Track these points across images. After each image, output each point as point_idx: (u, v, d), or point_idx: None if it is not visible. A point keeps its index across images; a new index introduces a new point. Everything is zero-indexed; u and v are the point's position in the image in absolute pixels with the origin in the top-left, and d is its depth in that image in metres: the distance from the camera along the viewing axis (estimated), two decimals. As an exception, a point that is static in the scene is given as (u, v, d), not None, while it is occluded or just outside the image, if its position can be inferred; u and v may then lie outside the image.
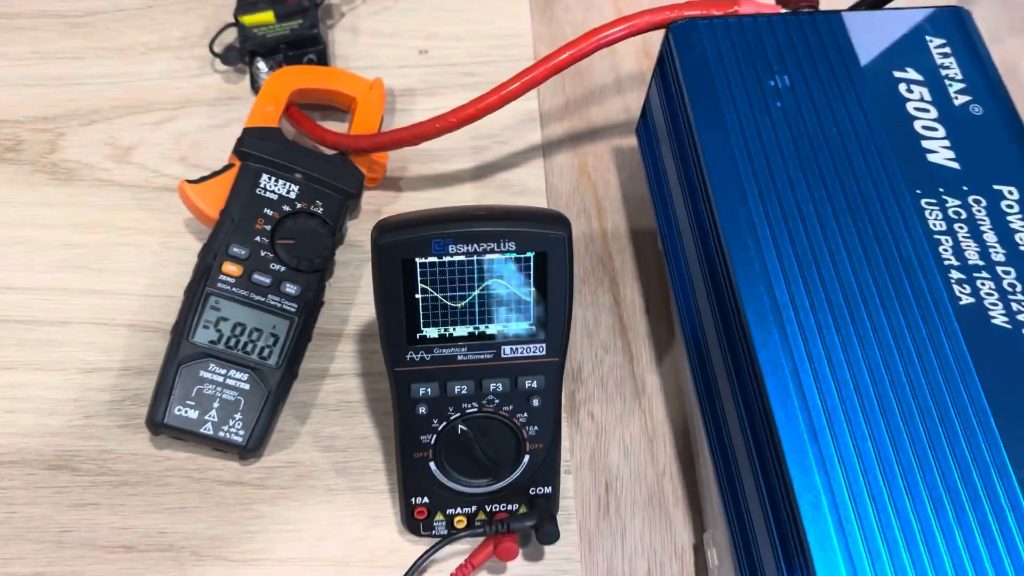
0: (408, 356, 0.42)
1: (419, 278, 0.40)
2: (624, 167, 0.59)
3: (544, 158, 0.59)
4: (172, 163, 0.57)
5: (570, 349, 0.51)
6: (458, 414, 0.43)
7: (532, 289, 0.41)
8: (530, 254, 0.41)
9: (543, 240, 0.40)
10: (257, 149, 0.53)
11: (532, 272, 0.41)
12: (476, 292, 0.41)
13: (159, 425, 0.47)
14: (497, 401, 0.43)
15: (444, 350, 0.42)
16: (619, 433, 0.50)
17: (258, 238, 0.51)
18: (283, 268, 0.51)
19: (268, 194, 0.52)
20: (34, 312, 0.52)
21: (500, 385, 0.43)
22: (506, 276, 0.41)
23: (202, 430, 0.47)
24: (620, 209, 0.58)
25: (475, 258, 0.40)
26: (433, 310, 0.41)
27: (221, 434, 0.47)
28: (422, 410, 0.43)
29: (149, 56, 0.60)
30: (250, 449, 0.48)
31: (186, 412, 0.47)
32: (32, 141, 0.57)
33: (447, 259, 0.40)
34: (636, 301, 0.55)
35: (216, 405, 0.48)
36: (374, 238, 0.40)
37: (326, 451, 0.49)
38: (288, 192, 0.52)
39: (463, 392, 0.42)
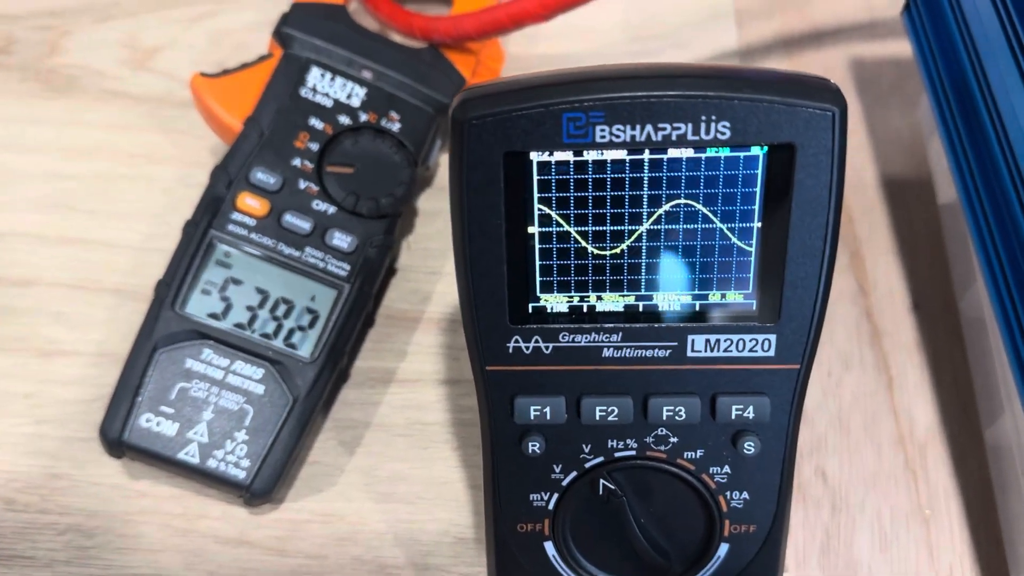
0: (511, 345, 0.23)
1: (536, 192, 0.21)
2: (869, 86, 0.43)
3: (742, 70, 0.40)
4: (205, 70, 0.41)
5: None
6: (600, 458, 0.25)
7: (758, 224, 0.21)
8: (759, 150, 0.20)
9: (789, 120, 0.20)
10: (308, 31, 0.35)
11: (762, 186, 0.21)
12: (645, 226, 0.22)
13: (116, 443, 0.30)
14: (675, 440, 0.24)
15: (579, 337, 0.23)
16: (872, 506, 0.33)
17: (298, 161, 0.33)
18: (332, 209, 0.33)
19: (319, 97, 0.34)
20: (-9, 266, 0.36)
21: (683, 410, 0.24)
22: (708, 195, 0.21)
23: (181, 455, 0.30)
24: (864, 147, 0.41)
25: (647, 155, 0.21)
26: (561, 259, 0.22)
27: (211, 463, 0.30)
28: (534, 447, 0.24)
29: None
30: (257, 491, 0.30)
31: (158, 425, 0.30)
32: (28, 41, 0.43)
33: (592, 155, 0.21)
34: (895, 289, 0.37)
35: (208, 416, 0.30)
36: (454, 112, 0.21)
37: (384, 501, 0.32)
38: (349, 97, 0.35)
39: (612, 419, 0.24)
